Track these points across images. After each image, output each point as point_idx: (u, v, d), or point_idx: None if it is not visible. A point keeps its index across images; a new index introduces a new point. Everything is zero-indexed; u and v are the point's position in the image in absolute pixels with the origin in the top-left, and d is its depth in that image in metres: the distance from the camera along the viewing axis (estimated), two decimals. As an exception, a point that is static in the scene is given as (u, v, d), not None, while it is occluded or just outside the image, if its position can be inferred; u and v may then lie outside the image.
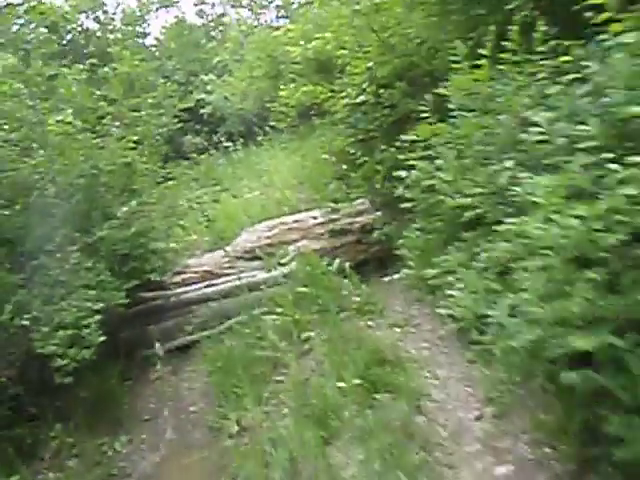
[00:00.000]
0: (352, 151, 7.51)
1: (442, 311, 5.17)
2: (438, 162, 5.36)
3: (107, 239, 6.15)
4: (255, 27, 20.02)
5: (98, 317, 5.32)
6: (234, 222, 10.18)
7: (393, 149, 7.09)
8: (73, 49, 16.66)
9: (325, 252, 7.18)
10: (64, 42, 16.47)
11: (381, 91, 6.95)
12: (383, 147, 7.08)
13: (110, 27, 17.60)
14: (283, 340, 5.90)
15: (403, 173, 5.51)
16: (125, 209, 6.40)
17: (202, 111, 17.00)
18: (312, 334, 5.94)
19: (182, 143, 16.82)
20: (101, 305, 5.44)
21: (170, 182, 9.02)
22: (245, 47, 17.25)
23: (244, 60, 14.72)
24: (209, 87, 17.50)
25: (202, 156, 15.48)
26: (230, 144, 15.07)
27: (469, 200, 4.77)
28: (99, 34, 17.05)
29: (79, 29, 16.49)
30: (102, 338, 5.22)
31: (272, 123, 12.07)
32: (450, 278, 4.87)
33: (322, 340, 5.79)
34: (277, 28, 10.54)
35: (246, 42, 17.75)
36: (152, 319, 6.86)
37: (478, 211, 4.72)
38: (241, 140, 15.58)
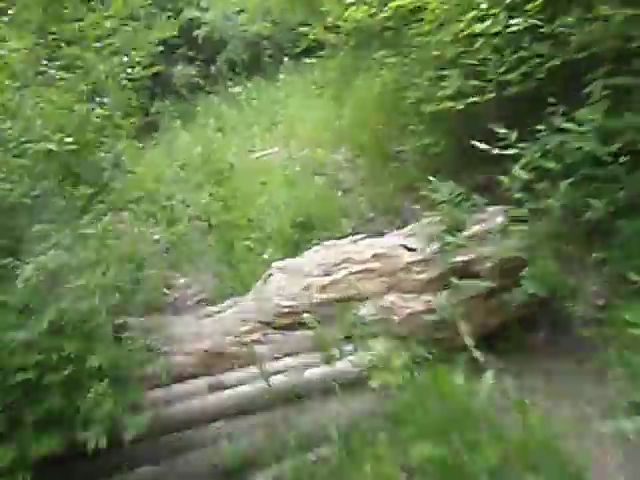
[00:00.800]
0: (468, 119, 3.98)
1: None
2: None
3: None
4: None
5: None
6: (246, 203, 6.76)
7: (570, 124, 3.61)
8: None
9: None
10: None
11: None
12: (558, 122, 3.58)
13: None
14: None
15: None
16: (31, 266, 2.93)
17: (196, 33, 13.12)
18: None
19: (171, 75, 13.11)
20: None
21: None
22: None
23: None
24: (204, 2, 13.53)
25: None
26: (232, 79, 11.44)
27: None
28: None
29: None
30: None
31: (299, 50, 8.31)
32: None
33: None
34: None
35: None
36: (105, 462, 3.50)
37: None
38: (246, 73, 11.95)
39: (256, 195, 7.04)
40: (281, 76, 10.79)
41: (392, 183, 6.78)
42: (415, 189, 6.59)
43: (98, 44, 4.78)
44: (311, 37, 5.61)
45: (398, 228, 6.34)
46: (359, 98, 7.81)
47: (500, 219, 4.08)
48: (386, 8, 4.14)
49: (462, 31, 3.92)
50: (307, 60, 7.68)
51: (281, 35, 9.92)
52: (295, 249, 5.52)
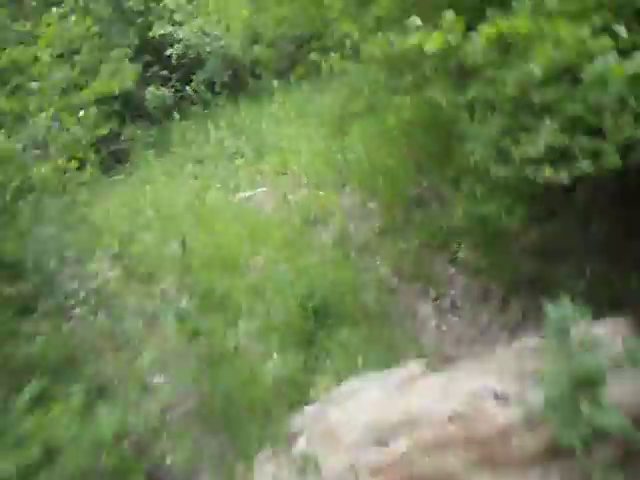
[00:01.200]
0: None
1: None
2: None
3: None
4: None
5: None
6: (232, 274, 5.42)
7: None
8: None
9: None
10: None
11: None
12: None
13: None
14: None
15: None
16: None
17: (169, 52, 11.68)
18: None
19: (143, 97, 11.68)
20: None
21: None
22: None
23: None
24: (177, 16, 12.09)
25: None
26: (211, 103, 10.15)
27: None
28: None
29: None
30: None
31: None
32: None
33: None
34: None
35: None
36: None
37: None
38: (227, 94, 10.62)
39: (245, 259, 5.68)
40: (269, 101, 9.43)
41: (417, 238, 5.48)
42: (448, 248, 5.35)
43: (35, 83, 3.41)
44: (325, 65, 4.22)
45: (433, 300, 5.11)
46: (373, 130, 6.50)
47: (628, 341, 2.75)
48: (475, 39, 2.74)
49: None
50: (304, 84, 6.33)
51: (272, 56, 8.57)
52: (308, 347, 4.20)
